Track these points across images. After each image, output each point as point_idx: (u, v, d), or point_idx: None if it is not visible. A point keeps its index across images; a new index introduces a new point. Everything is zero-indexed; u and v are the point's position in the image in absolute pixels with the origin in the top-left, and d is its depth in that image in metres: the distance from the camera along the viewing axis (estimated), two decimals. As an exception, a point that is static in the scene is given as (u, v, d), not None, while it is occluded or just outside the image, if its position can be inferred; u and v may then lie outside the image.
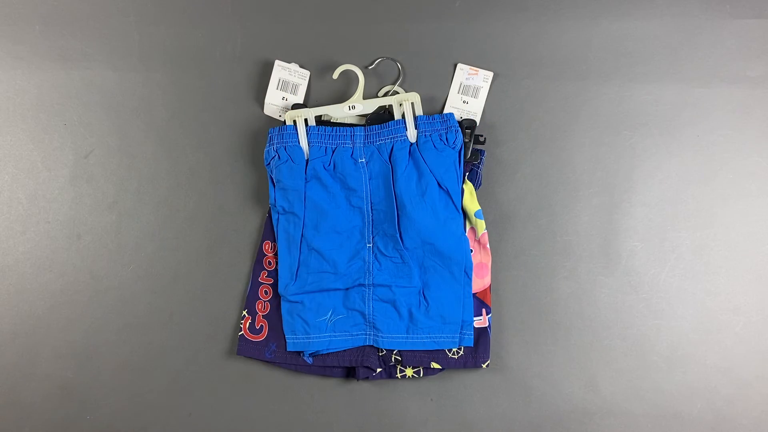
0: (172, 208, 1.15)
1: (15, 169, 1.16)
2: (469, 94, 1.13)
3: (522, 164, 1.13)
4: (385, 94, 1.13)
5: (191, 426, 1.11)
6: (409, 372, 1.09)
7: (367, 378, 1.09)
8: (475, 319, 1.09)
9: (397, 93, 1.13)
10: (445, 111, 1.13)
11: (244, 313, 1.11)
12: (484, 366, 1.08)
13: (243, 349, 1.10)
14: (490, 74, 1.13)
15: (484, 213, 1.10)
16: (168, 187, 1.15)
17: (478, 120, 1.12)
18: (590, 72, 1.14)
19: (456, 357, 1.08)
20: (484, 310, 1.09)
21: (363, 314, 1.08)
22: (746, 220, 1.12)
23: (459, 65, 1.13)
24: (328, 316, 1.08)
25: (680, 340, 1.11)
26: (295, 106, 1.11)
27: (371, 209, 1.09)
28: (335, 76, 1.11)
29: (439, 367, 1.08)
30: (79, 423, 1.11)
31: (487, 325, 1.09)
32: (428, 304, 1.08)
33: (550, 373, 1.11)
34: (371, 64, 1.13)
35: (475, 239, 1.10)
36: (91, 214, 1.15)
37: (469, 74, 1.13)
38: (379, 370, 1.08)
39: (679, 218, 1.12)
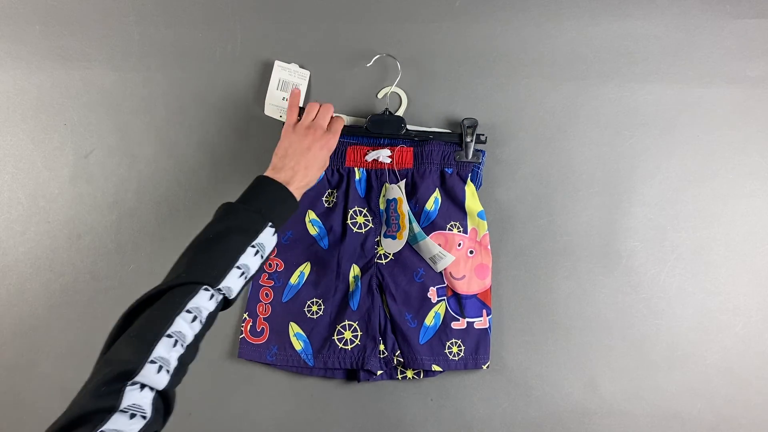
0: (172, 208, 1.14)
1: (15, 169, 1.15)
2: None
3: (522, 164, 1.13)
4: (385, 95, 1.13)
5: (191, 426, 1.11)
6: (409, 373, 1.09)
7: (368, 380, 1.09)
8: (475, 320, 1.09)
9: (396, 93, 1.13)
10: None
11: (245, 315, 1.11)
12: (484, 367, 1.08)
13: (244, 352, 1.09)
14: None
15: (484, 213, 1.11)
16: (168, 187, 1.15)
17: None
18: (590, 72, 1.14)
19: (456, 358, 1.08)
20: (484, 311, 1.09)
21: None
22: (746, 220, 1.12)
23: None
24: None
25: (680, 340, 1.11)
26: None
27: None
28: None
29: (440, 369, 1.08)
30: (80, 423, 1.10)
31: (487, 326, 1.09)
32: None
33: (550, 373, 1.11)
34: (371, 63, 1.13)
35: (476, 240, 1.10)
36: (91, 214, 1.15)
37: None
38: (380, 372, 1.08)
39: (679, 218, 1.12)
